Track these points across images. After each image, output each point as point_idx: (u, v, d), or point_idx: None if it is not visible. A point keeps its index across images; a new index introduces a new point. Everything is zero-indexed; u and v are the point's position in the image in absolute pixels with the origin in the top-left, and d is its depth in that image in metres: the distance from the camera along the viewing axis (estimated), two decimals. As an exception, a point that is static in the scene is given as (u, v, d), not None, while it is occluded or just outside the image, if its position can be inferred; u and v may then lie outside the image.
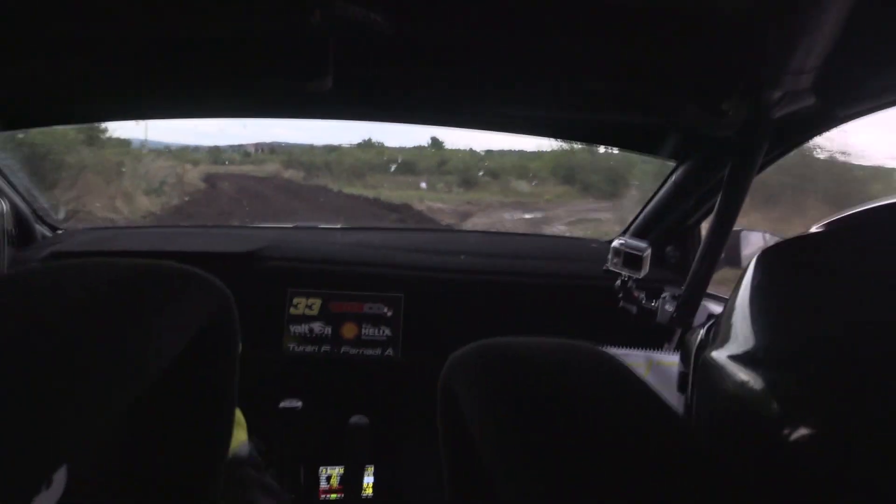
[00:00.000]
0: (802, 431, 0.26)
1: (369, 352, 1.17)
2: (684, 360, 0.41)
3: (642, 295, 1.10)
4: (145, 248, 1.22)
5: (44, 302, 0.31)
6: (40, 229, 1.31)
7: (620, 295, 1.12)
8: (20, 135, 1.47)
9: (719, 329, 0.36)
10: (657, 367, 0.85)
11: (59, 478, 0.48)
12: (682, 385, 0.38)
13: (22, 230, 1.28)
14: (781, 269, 0.34)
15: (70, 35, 0.73)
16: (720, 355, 0.33)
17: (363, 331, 1.17)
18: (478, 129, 1.22)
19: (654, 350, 0.87)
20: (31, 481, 0.27)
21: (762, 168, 1.06)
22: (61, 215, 1.44)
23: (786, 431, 0.26)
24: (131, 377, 0.33)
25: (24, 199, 1.28)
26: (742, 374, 0.30)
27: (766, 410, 0.27)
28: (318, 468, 1.18)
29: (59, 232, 1.36)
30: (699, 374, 0.35)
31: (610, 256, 1.10)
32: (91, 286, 0.34)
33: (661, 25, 0.67)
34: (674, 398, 0.80)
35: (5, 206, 0.85)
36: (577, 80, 0.87)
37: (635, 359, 0.88)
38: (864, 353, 0.27)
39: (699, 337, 0.39)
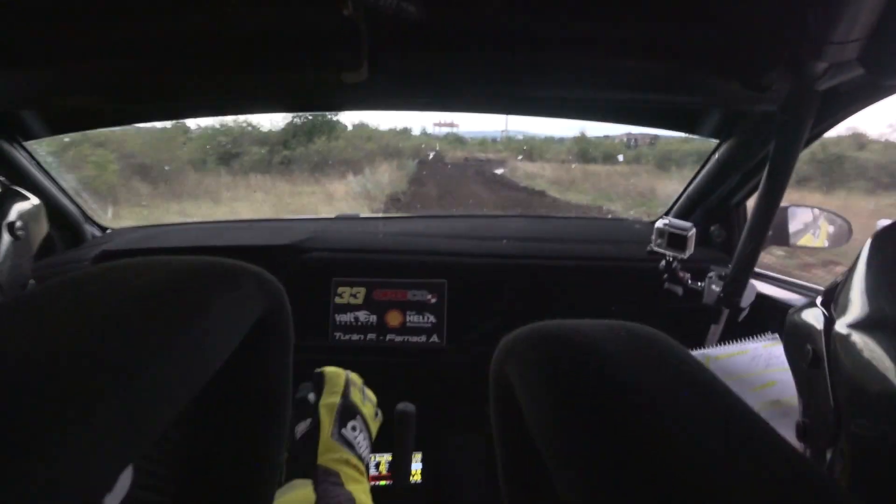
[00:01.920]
0: None
1: (414, 339, 1.18)
2: (799, 337, 0.43)
3: (687, 275, 1.09)
4: (193, 244, 1.25)
5: (102, 302, 0.31)
6: (90, 229, 1.35)
7: (665, 276, 1.11)
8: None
9: (838, 304, 0.38)
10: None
11: (125, 477, 0.49)
12: (814, 361, 0.39)
13: (72, 231, 1.32)
14: None
15: (106, 35, 0.74)
16: (850, 327, 0.34)
17: (408, 318, 1.18)
18: (516, 113, 1.22)
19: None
20: (103, 479, 0.28)
21: (809, 142, 1.03)
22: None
23: None
24: (191, 373, 0.34)
25: (72, 200, 1.31)
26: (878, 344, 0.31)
27: None
28: None
29: (108, 231, 1.39)
30: (832, 349, 0.36)
31: (654, 237, 1.09)
32: (147, 284, 0.34)
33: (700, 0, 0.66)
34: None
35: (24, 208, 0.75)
36: (616, 61, 0.86)
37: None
38: None
39: (821, 314, 0.40)
